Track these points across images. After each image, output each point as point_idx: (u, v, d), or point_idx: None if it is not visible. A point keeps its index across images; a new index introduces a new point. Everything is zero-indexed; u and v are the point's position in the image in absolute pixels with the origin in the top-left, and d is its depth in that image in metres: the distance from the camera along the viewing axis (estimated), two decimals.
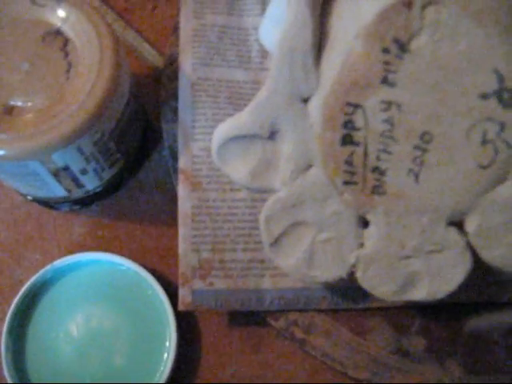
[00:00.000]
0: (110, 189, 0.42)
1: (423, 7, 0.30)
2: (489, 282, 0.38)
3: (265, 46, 0.39)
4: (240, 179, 0.34)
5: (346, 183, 0.32)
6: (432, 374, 0.37)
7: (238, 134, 0.33)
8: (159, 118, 0.42)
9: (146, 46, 0.45)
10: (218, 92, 0.41)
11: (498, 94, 0.30)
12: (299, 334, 0.38)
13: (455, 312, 0.38)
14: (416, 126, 0.31)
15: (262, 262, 0.38)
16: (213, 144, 0.34)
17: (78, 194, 0.40)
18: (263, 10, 0.42)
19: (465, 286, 0.37)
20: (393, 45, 0.30)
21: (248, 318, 0.39)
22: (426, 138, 0.31)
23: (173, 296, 0.38)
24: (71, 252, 0.40)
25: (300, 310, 0.38)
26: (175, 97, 0.41)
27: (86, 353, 0.38)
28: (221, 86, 0.41)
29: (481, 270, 0.37)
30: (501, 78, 0.30)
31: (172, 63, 0.42)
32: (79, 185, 0.39)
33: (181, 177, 0.39)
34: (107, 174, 0.40)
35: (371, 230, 0.33)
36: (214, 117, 0.40)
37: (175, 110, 0.41)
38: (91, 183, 0.40)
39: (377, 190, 0.32)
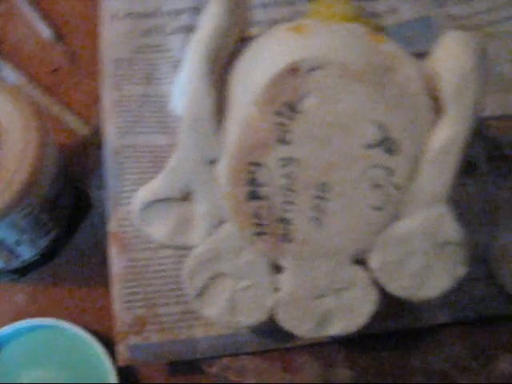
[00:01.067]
0: (47, 256, 0.44)
1: (308, 72, 0.34)
2: (404, 310, 0.41)
3: (177, 112, 0.42)
4: (161, 239, 0.36)
5: (257, 234, 0.35)
6: None
7: (155, 198, 0.36)
8: (87, 185, 0.44)
9: (73, 117, 0.47)
10: (142, 157, 0.44)
11: (382, 143, 0.34)
12: (234, 378, 0.40)
13: (378, 342, 0.41)
14: (314, 177, 0.34)
15: (193, 312, 0.40)
16: (133, 209, 0.36)
17: (15, 264, 0.42)
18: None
19: (382, 317, 0.40)
20: (284, 108, 0.34)
21: (186, 367, 0.41)
22: (323, 187, 0.34)
23: (113, 352, 0.40)
24: (13, 320, 0.42)
25: (232, 355, 0.40)
26: (101, 164, 0.44)
27: None
28: (144, 152, 0.44)
29: (394, 301, 0.40)
30: (383, 129, 0.33)
31: (97, 133, 0.45)
32: (15, 255, 0.41)
33: (111, 239, 0.41)
34: (42, 243, 0.42)
35: (285, 275, 0.36)
36: (139, 181, 0.42)
37: (102, 177, 0.43)
38: (27, 253, 0.42)
39: (285, 238, 0.35)
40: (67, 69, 0.50)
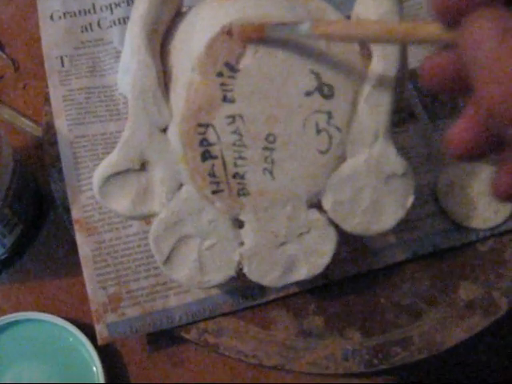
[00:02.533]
0: (15, 254, 0.45)
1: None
2: (365, 254, 0.43)
3: (123, 93, 0.44)
4: (124, 211, 0.37)
5: (214, 192, 0.36)
6: (335, 345, 0.41)
7: (112, 172, 0.37)
8: (48, 181, 0.45)
9: (23, 119, 0.48)
10: (96, 145, 0.45)
11: (319, 89, 0.36)
12: (212, 340, 0.41)
13: (344, 287, 0.43)
14: (259, 130, 0.36)
15: (165, 283, 0.42)
16: (93, 186, 0.37)
17: None
18: None
19: (344, 263, 0.42)
20: (224, 68, 0.36)
21: (165, 338, 0.43)
22: (270, 139, 0.36)
23: (94, 336, 0.41)
24: None
25: (207, 318, 0.42)
26: (58, 158, 0.45)
27: None
28: (96, 140, 0.45)
29: (355, 246, 0.42)
30: (317, 76, 0.36)
31: (50, 129, 0.46)
32: None
33: (76, 226, 0.43)
34: (9, 240, 0.43)
35: (246, 228, 0.37)
36: (95, 168, 0.43)
37: (60, 170, 0.45)
38: None
39: (241, 192, 0.37)
40: (12, 75, 0.51)
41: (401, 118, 0.47)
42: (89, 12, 0.49)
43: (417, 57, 0.48)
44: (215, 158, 0.36)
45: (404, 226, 0.44)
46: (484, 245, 0.44)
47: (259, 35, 0.35)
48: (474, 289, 0.43)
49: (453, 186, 0.44)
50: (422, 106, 0.47)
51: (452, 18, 0.23)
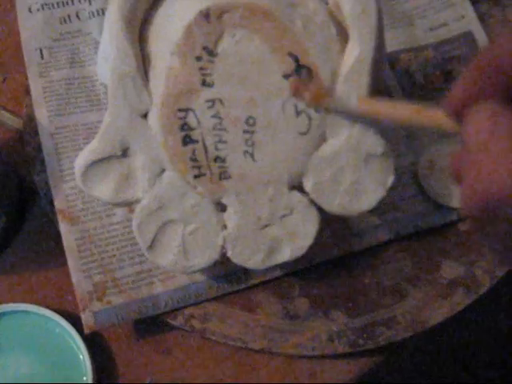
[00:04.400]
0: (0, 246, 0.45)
1: (219, 16, 0.36)
2: (348, 235, 0.44)
3: (104, 81, 0.44)
4: (106, 198, 0.38)
5: (196, 177, 0.37)
6: (320, 327, 0.42)
7: (94, 158, 0.37)
8: (30, 172, 0.45)
9: (3, 112, 0.48)
10: (77, 135, 0.45)
11: (297, 72, 0.36)
12: (198, 325, 0.41)
13: (328, 269, 0.43)
14: (239, 114, 0.36)
15: (149, 270, 0.42)
16: (76, 174, 0.38)
17: None
18: None
19: (327, 246, 0.42)
20: (203, 52, 0.36)
21: (152, 326, 0.43)
22: (250, 121, 0.36)
23: (81, 326, 0.41)
24: None
25: (194, 304, 0.42)
26: (40, 149, 0.45)
27: None
28: (78, 130, 0.45)
29: (337, 228, 0.43)
30: (295, 58, 0.36)
31: (31, 121, 0.46)
32: None
33: (59, 216, 0.43)
34: None
35: (229, 212, 0.38)
36: (77, 158, 0.44)
37: (42, 161, 0.45)
38: None
39: (223, 175, 0.37)
40: None
41: None
42: (67, 4, 0.49)
43: (396, 40, 0.49)
44: (196, 142, 0.36)
45: (386, 207, 0.44)
46: (465, 224, 0.45)
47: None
48: (456, 267, 0.43)
49: (433, 166, 0.45)
50: (400, 88, 0.48)
51: (458, 110, 0.26)
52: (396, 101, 0.35)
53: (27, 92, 0.47)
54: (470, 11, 0.50)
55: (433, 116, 0.29)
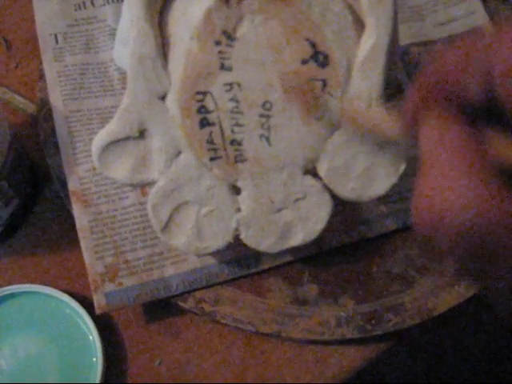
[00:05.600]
0: (11, 228, 0.45)
1: (239, 1, 0.36)
2: (357, 223, 0.44)
3: (121, 66, 0.44)
4: (122, 179, 0.38)
5: (212, 159, 0.37)
6: (329, 312, 0.42)
7: (112, 139, 0.38)
8: (43, 155, 0.46)
9: (17, 97, 0.49)
10: (91, 120, 0.45)
11: (314, 58, 0.37)
12: (208, 308, 0.42)
13: (337, 256, 0.44)
14: (256, 97, 0.37)
15: (161, 253, 0.42)
16: (92, 154, 0.38)
17: None
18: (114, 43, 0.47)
19: (337, 232, 0.43)
20: (222, 36, 0.36)
21: (162, 309, 0.43)
22: (266, 106, 0.37)
23: (91, 308, 0.41)
24: None
25: (204, 287, 0.42)
26: (54, 133, 0.45)
27: (18, 381, 0.41)
28: (92, 114, 0.46)
29: (348, 216, 0.43)
30: (313, 45, 0.37)
31: (44, 105, 0.46)
32: None
33: (73, 198, 0.43)
34: (5, 214, 0.44)
35: (243, 195, 0.38)
36: (90, 141, 0.44)
37: (56, 144, 0.45)
38: None
39: (238, 158, 0.37)
40: (4, 54, 0.51)
41: (389, 93, 0.48)
42: None
43: (406, 34, 0.49)
44: (213, 125, 0.37)
45: (395, 196, 0.45)
46: None
47: None
48: None
49: None
50: (410, 81, 0.49)
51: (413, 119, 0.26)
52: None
53: (41, 77, 0.48)
54: (480, 7, 0.51)
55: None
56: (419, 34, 0.50)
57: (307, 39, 0.37)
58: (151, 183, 0.38)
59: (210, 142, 0.37)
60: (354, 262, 0.44)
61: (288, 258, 0.43)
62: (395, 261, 0.44)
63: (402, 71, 0.49)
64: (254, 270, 0.43)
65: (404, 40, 0.49)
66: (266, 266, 0.43)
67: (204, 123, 0.37)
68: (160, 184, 0.38)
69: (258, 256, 0.42)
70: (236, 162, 0.37)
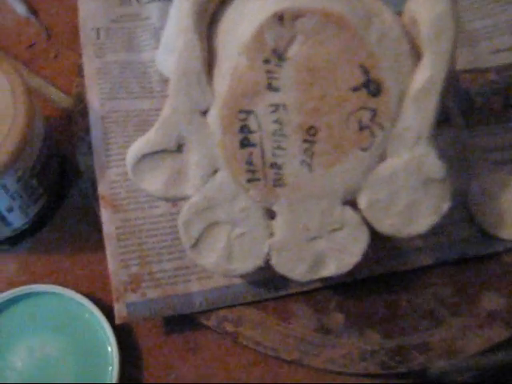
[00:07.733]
0: (37, 225, 0.44)
1: (293, 20, 0.35)
2: (390, 255, 0.43)
3: (162, 72, 0.43)
4: (156, 192, 0.37)
5: (250, 181, 0.36)
6: (354, 344, 0.41)
7: (149, 150, 0.36)
8: (74, 153, 0.45)
9: (53, 89, 0.48)
10: (127, 122, 0.44)
11: (366, 86, 0.35)
12: (231, 328, 0.41)
13: (366, 287, 0.43)
14: (301, 122, 0.35)
15: (188, 268, 0.41)
16: (127, 163, 0.37)
17: (6, 232, 0.43)
18: (157, 44, 0.46)
19: (370, 262, 0.42)
20: (272, 55, 0.35)
21: (183, 323, 0.42)
22: (311, 131, 0.35)
23: (110, 315, 0.41)
24: (7, 289, 0.42)
25: (228, 306, 0.41)
26: (88, 131, 0.44)
27: (33, 381, 0.40)
28: (128, 116, 0.45)
29: (381, 246, 0.42)
30: (366, 71, 0.35)
31: (81, 101, 0.45)
32: (7, 223, 0.42)
33: (102, 202, 0.42)
34: (32, 210, 0.43)
35: (278, 220, 0.37)
36: (125, 144, 0.43)
37: (89, 143, 0.44)
38: (18, 220, 0.42)
39: (277, 183, 0.36)
40: (44, 43, 0.50)
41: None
42: None
43: (459, 59, 0.47)
44: (254, 145, 0.36)
45: (431, 230, 0.43)
46: (510, 256, 0.44)
47: None
48: (496, 299, 0.42)
49: (484, 194, 0.44)
50: (460, 110, 0.47)
51: None
52: None
53: (79, 71, 0.47)
54: None
55: None
56: (471, 60, 0.48)
57: (361, 65, 0.35)
58: (185, 198, 0.37)
59: (250, 162, 0.36)
60: (384, 294, 0.43)
61: (316, 284, 0.42)
62: (426, 297, 0.42)
63: (450, 99, 0.47)
64: (280, 294, 0.42)
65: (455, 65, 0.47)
66: (293, 291, 0.42)
67: (245, 143, 0.36)
68: (194, 200, 0.37)
69: (285, 279, 0.41)
70: (274, 186, 0.36)
